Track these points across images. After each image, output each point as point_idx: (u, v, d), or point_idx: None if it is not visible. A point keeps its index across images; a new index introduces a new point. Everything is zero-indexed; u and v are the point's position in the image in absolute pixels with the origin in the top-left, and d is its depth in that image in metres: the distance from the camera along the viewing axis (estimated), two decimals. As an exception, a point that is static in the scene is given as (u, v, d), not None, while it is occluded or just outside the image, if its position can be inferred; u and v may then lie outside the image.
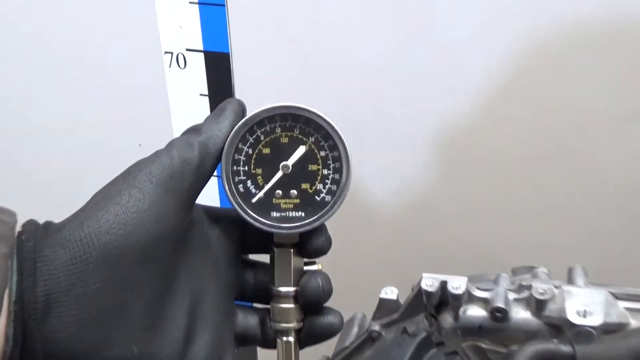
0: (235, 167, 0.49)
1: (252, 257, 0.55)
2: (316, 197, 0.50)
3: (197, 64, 0.71)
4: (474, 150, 1.03)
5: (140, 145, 1.14)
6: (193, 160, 0.46)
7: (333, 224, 0.51)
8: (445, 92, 0.99)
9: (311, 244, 0.51)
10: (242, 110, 0.50)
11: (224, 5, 0.69)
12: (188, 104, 0.75)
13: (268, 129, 0.49)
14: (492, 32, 0.93)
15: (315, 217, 0.50)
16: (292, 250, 0.51)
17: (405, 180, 1.08)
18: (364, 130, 1.02)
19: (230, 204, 0.50)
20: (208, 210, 0.51)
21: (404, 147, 1.06)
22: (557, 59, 0.93)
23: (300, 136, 0.49)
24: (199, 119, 0.50)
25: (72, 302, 0.40)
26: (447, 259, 1.09)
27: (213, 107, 0.62)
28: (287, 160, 0.50)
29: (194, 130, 0.48)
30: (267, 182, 0.49)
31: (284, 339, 0.51)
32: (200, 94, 0.74)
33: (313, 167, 0.50)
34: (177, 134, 0.53)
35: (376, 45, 0.98)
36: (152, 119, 0.98)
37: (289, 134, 0.49)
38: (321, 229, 0.50)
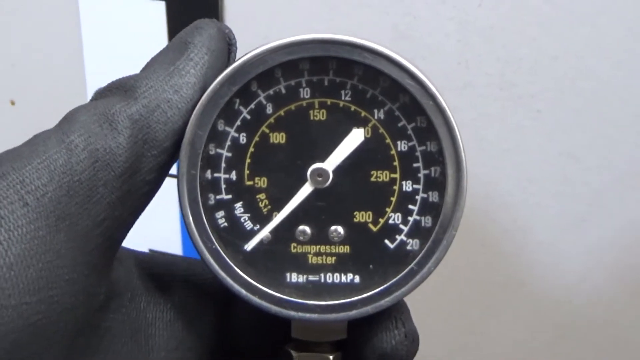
0: (209, 174, 0.34)
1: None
2: (387, 241, 0.34)
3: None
4: None
5: (13, 103, 0.83)
6: (117, 156, 0.31)
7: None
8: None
9: (374, 346, 0.34)
10: (225, 45, 0.34)
11: None
12: (121, 22, 0.58)
13: (283, 92, 0.33)
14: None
15: (384, 286, 0.34)
16: (331, 358, 0.34)
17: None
18: (510, 105, 0.64)
19: (199, 253, 0.33)
20: (150, 267, 0.37)
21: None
22: None
23: (354, 108, 0.34)
24: (142, 59, 0.34)
25: None
26: None
27: (176, 30, 0.47)
28: (322, 160, 0.34)
29: (121, 89, 0.33)
30: (278, 208, 0.34)
31: None
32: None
33: (381, 177, 0.34)
34: (93, 88, 0.39)
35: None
36: (39, 54, 0.73)
37: (329, 102, 0.34)
38: (397, 315, 0.34)
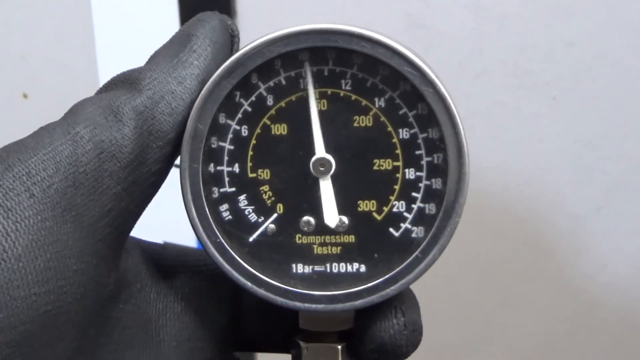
0: (211, 167, 0.33)
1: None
2: (392, 230, 0.33)
3: None
4: None
5: (25, 96, 0.83)
6: (123, 148, 0.31)
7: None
8: None
9: (373, 335, 0.34)
10: (228, 37, 0.34)
11: None
12: (133, 15, 0.58)
13: (283, 83, 0.33)
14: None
15: (389, 274, 0.33)
16: (339, 348, 0.34)
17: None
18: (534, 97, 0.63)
19: (203, 247, 0.33)
20: (159, 257, 0.37)
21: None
22: None
23: (355, 97, 0.33)
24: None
25: None
26: None
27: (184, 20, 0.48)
28: (326, 150, 0.33)
29: (125, 81, 0.33)
30: (281, 199, 0.34)
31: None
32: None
33: (384, 165, 0.33)
34: (105, 81, 0.35)
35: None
36: (52, 48, 0.74)
37: (330, 92, 0.33)
38: (398, 305, 0.34)
